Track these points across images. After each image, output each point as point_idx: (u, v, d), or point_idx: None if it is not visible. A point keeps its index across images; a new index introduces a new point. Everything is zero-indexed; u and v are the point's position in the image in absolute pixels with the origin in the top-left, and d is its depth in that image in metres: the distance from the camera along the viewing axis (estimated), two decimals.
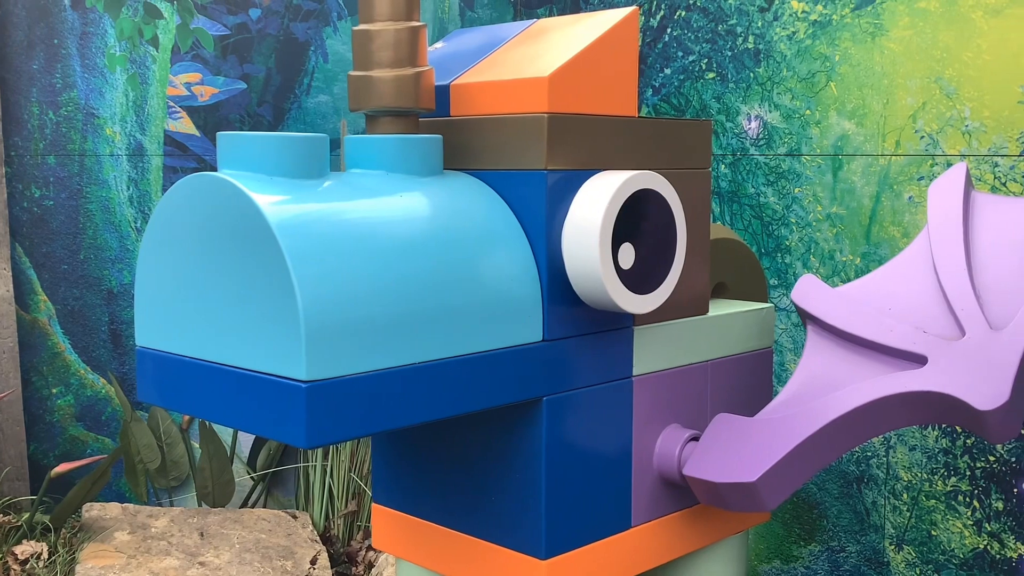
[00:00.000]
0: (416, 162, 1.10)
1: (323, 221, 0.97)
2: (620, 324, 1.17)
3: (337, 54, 2.55)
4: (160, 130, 2.48)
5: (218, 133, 1.04)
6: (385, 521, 1.29)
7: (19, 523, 2.15)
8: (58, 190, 2.44)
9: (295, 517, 2.41)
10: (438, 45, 1.31)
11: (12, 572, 2.09)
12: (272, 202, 0.95)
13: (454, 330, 1.02)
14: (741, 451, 1.15)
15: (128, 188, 2.47)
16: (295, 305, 0.91)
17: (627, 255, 1.10)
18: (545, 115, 1.08)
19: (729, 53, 1.99)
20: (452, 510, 1.20)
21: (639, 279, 1.11)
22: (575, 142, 1.11)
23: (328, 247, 0.95)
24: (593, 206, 1.07)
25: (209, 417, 1.04)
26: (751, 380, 1.35)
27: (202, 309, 1.01)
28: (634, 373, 1.19)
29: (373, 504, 1.31)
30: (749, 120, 1.96)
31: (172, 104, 2.48)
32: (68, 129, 2.43)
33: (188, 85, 2.48)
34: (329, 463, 2.46)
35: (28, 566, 2.10)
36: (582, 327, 1.13)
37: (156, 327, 1.08)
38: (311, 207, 0.98)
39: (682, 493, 1.25)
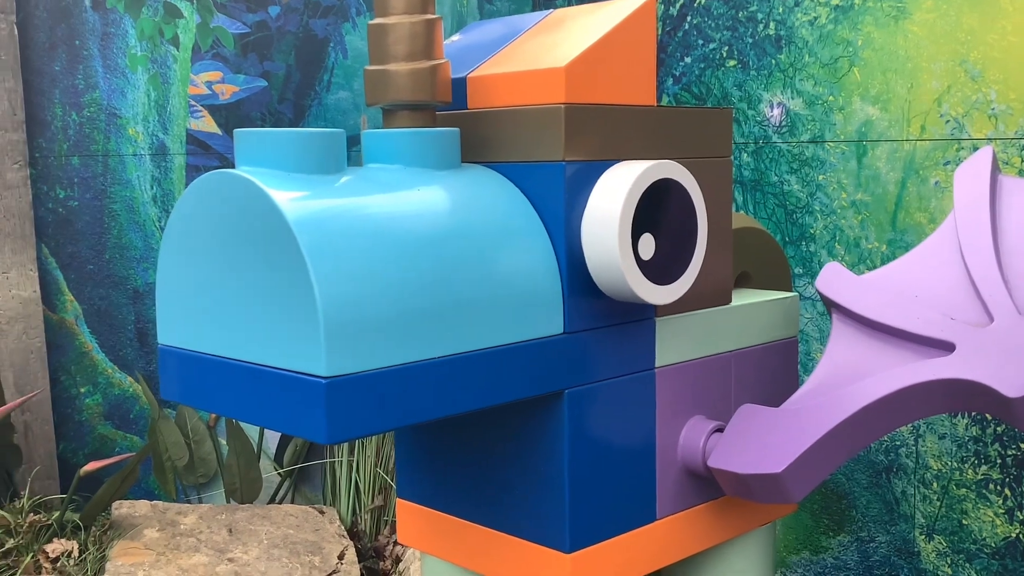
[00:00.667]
0: (433, 155, 1.10)
1: (341, 216, 0.97)
2: (642, 315, 1.16)
3: (356, 50, 2.55)
4: (182, 129, 2.49)
5: (235, 130, 1.04)
6: (409, 516, 1.29)
7: (49, 522, 2.17)
8: (82, 191, 2.45)
9: (322, 512, 2.42)
10: (455, 38, 1.30)
11: (44, 570, 2.11)
12: (290, 198, 0.95)
13: (474, 324, 1.02)
14: (766, 442, 1.14)
15: (152, 187, 2.49)
16: (314, 301, 0.91)
17: (647, 246, 1.09)
18: (562, 106, 1.07)
19: (750, 40, 1.97)
20: (476, 504, 1.20)
21: (660, 270, 1.10)
22: (593, 133, 1.10)
23: (346, 242, 0.95)
24: (612, 197, 1.06)
25: (231, 414, 1.04)
26: (776, 370, 1.33)
27: (222, 306, 1.02)
28: (657, 364, 1.18)
29: (397, 499, 1.31)
30: (771, 107, 1.94)
31: (193, 103, 2.49)
32: (91, 130, 2.45)
33: (209, 84, 2.49)
34: (355, 458, 2.47)
35: (59, 564, 2.11)
36: (603, 319, 1.13)
37: (178, 325, 1.09)
38: (329, 202, 0.98)
39: (708, 485, 1.24)
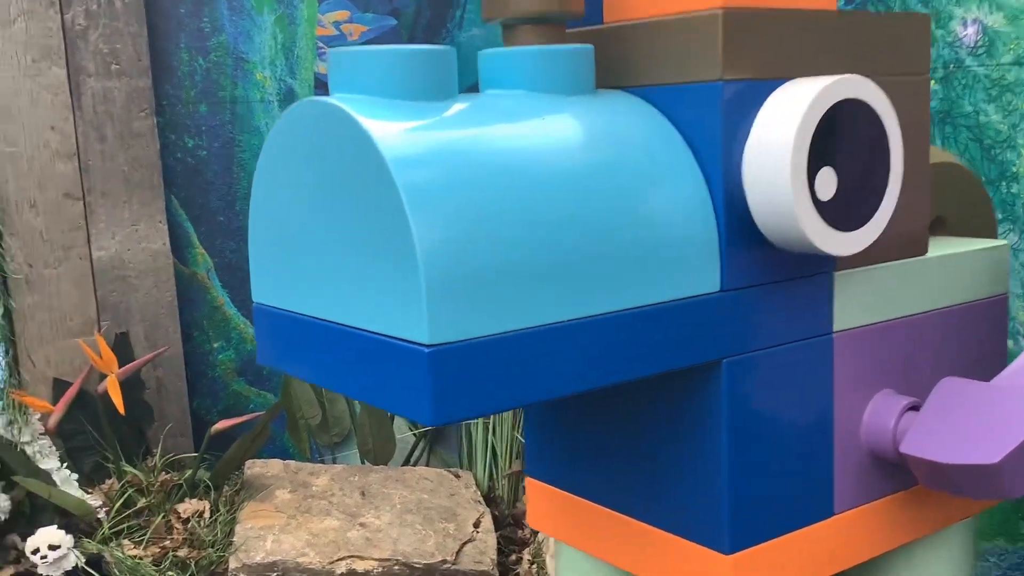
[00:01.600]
0: (562, 78, 0.92)
1: (449, 151, 0.80)
2: (817, 269, 0.96)
3: None
4: (310, 73, 2.37)
5: (329, 50, 0.88)
6: (540, 497, 1.13)
7: (180, 481, 2.12)
8: (211, 139, 2.37)
9: (458, 476, 2.30)
10: None
11: (175, 531, 2.06)
12: (387, 130, 0.79)
13: (610, 281, 0.83)
14: (976, 425, 0.92)
15: None
16: (414, 254, 0.75)
17: (827, 183, 0.88)
18: (720, 11, 0.87)
19: None
20: (616, 490, 1.03)
21: (842, 212, 0.89)
22: (758, 45, 0.89)
23: (454, 183, 0.78)
24: (783, 121, 0.86)
25: (328, 384, 0.90)
26: (981, 335, 1.10)
27: (315, 259, 0.87)
28: (835, 329, 0.97)
29: (526, 477, 1.15)
30: (965, 25, 1.66)
31: (321, 45, 2.37)
32: (218, 75, 2.36)
33: (337, 24, 2.36)
34: (491, 421, 2.33)
35: (190, 525, 2.06)
36: (769, 273, 0.93)
37: (270, 280, 0.95)
38: (435, 135, 0.81)
39: (896, 473, 1.03)
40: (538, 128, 0.86)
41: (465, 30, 2.38)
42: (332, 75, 0.88)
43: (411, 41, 2.38)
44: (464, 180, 0.79)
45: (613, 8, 0.97)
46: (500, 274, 0.78)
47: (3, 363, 2.14)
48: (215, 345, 2.44)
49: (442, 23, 2.39)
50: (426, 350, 0.75)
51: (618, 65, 0.97)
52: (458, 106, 0.86)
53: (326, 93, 2.50)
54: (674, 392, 0.94)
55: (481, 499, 2.23)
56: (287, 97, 2.37)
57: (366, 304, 0.81)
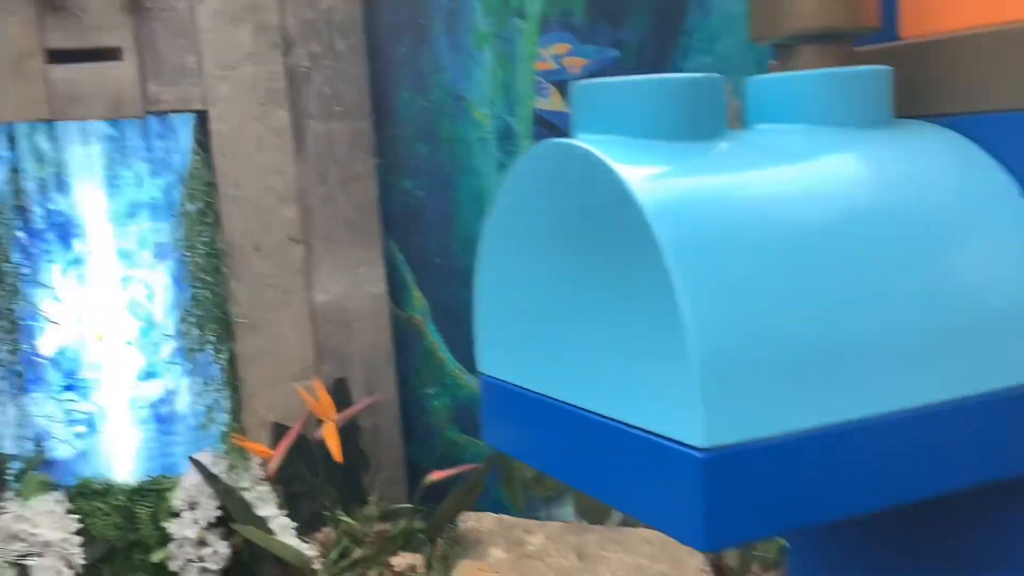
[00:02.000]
0: (854, 108, 0.75)
1: (721, 205, 0.65)
2: None
3: (721, 7, 2.20)
4: (529, 110, 2.27)
5: (572, 83, 0.75)
6: None
7: (394, 533, 2.04)
8: (428, 180, 2.31)
9: None
10: None
11: None
12: (644, 177, 0.65)
13: (926, 365, 0.66)
14: None
15: (498, 174, 2.30)
16: (681, 331, 0.60)
17: None
18: None
19: None
20: None
21: None
22: None
23: (731, 245, 0.63)
24: None
25: (569, 480, 0.76)
26: None
27: (555, 329, 0.74)
28: None
29: None
30: None
31: (540, 80, 2.27)
32: (438, 114, 2.30)
33: (557, 58, 2.25)
34: None
35: None
36: None
37: (501, 349, 0.82)
38: (703, 182, 0.67)
39: None
40: (831, 174, 0.70)
41: (691, 59, 2.23)
42: (576, 112, 0.74)
43: (635, 73, 2.25)
44: (743, 242, 0.63)
45: (913, 20, 0.79)
46: (791, 358, 0.62)
47: (227, 407, 2.14)
48: (430, 391, 2.37)
49: (666, 53, 2.24)
50: (700, 455, 0.60)
51: (919, 90, 0.79)
52: (728, 147, 0.71)
53: (545, 130, 2.36)
54: (999, 504, 0.74)
55: (708, 569, 2.04)
56: (505, 135, 2.28)
57: (618, 388, 0.67)
